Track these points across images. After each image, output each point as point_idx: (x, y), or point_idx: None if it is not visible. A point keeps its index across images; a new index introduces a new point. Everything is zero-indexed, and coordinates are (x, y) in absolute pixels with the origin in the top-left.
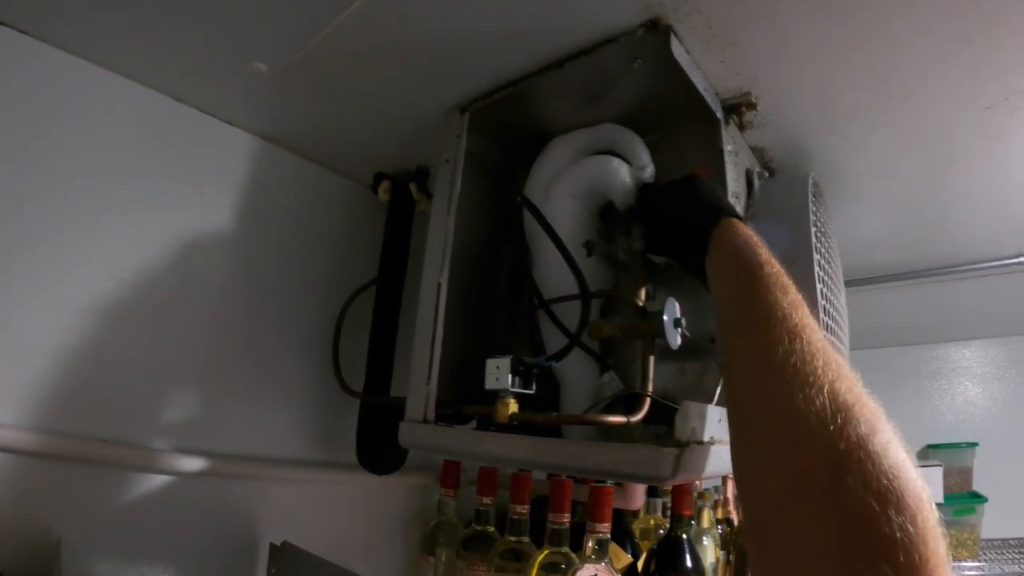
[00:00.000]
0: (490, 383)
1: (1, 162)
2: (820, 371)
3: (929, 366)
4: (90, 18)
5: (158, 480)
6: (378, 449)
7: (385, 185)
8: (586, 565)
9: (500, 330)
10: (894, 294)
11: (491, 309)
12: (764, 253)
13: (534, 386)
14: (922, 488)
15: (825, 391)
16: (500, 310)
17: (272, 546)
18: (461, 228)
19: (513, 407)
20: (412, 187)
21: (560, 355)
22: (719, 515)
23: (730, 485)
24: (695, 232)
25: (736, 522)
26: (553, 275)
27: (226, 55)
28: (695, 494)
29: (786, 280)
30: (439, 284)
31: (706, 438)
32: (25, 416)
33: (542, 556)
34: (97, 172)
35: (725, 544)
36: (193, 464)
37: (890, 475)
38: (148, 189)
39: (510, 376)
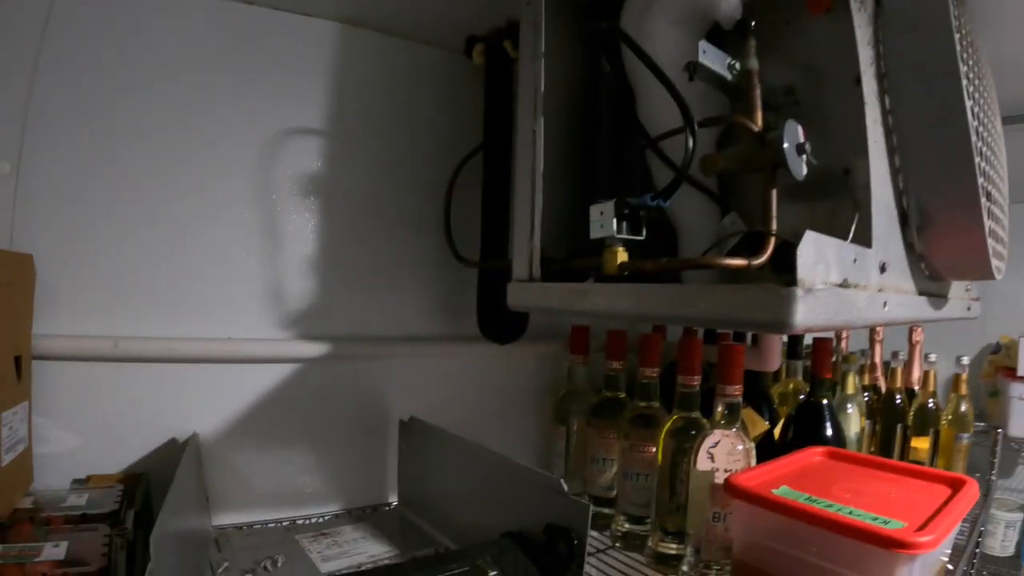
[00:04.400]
0: (595, 231)
1: (93, 78)
2: None
3: None
4: None
5: (286, 368)
6: (498, 318)
7: (479, 47)
8: (715, 431)
9: (610, 179)
10: None
11: (598, 157)
12: None
13: (644, 231)
14: None
15: None
16: (607, 157)
17: (401, 422)
18: (554, 73)
19: (622, 256)
20: (507, 45)
21: (668, 192)
22: (865, 381)
23: (878, 348)
24: None
25: (884, 389)
26: (658, 110)
27: None
28: (839, 357)
29: None
30: (534, 133)
31: (837, 280)
32: (152, 326)
33: (671, 422)
34: (180, 86)
35: (871, 413)
36: (316, 349)
37: None
38: (236, 96)
39: (615, 221)
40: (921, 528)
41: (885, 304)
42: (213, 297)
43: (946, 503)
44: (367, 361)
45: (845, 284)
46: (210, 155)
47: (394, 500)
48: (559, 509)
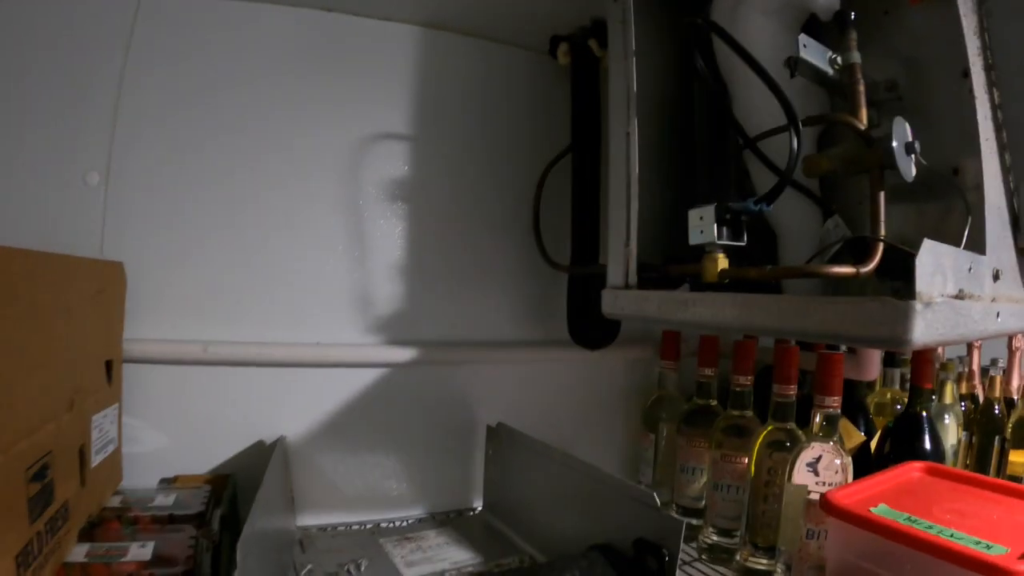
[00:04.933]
0: (694, 237)
1: (179, 89)
2: None
3: None
4: None
5: (373, 373)
6: (589, 323)
7: (563, 47)
8: (812, 444)
9: (707, 182)
10: None
11: (693, 158)
12: None
13: (745, 237)
14: None
15: None
16: (703, 158)
17: (488, 428)
18: (645, 73)
19: (723, 263)
20: (592, 44)
21: (771, 196)
22: (963, 390)
23: (976, 355)
24: None
25: (982, 399)
26: (756, 108)
27: None
28: (937, 364)
29: None
30: (627, 135)
31: (953, 291)
32: (241, 330)
33: (765, 433)
34: (265, 95)
35: (968, 424)
36: (403, 354)
37: None
38: (321, 103)
39: (716, 226)
40: None
41: (998, 315)
42: (302, 302)
43: None
44: (455, 366)
45: (960, 295)
46: (296, 162)
47: (478, 505)
48: (650, 523)
